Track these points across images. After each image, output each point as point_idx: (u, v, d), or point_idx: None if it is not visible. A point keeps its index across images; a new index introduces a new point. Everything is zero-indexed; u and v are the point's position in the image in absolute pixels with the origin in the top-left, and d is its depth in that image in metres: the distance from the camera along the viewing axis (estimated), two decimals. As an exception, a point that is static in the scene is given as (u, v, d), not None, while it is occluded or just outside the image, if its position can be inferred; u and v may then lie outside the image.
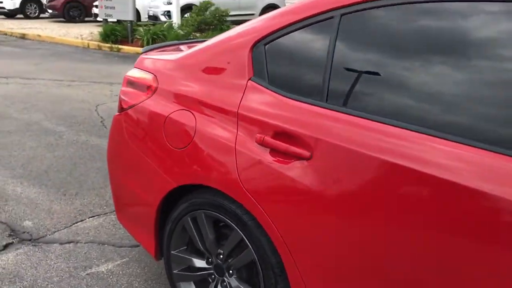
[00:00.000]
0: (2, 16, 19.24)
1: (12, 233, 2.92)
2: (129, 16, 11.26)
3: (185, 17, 12.54)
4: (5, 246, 2.78)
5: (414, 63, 1.51)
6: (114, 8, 11.46)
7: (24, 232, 2.94)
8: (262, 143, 1.72)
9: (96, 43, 11.41)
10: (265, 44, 1.84)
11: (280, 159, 1.68)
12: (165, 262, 2.20)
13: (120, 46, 10.98)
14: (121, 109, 2.29)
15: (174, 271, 2.15)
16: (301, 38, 1.77)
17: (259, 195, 1.74)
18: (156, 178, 2.09)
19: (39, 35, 12.84)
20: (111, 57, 10.33)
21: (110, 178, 2.44)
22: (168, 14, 13.90)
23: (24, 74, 7.98)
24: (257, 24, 1.92)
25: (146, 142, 2.15)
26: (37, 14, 18.87)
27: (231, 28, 2.72)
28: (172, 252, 2.14)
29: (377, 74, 1.59)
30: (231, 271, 1.97)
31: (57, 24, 16.12)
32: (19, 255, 2.69)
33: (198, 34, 11.51)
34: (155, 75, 2.19)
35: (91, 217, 3.14)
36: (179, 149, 1.98)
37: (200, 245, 2.03)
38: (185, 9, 13.34)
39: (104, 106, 5.97)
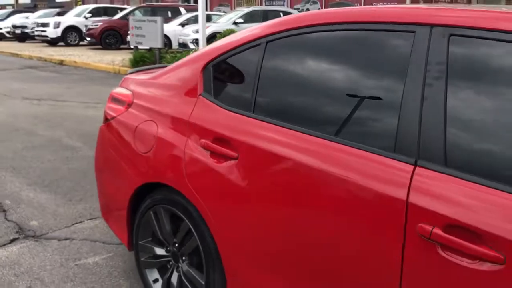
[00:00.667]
0: (45, 44, 20.51)
1: (19, 230, 3.35)
2: (158, 44, 11.91)
3: (211, 44, 13.13)
4: (12, 240, 3.20)
5: (320, 80, 1.86)
6: (144, 36, 12.15)
7: (29, 230, 3.36)
8: (204, 147, 2.08)
9: (126, 69, 12.09)
10: (213, 66, 2.22)
11: (216, 159, 2.03)
12: (134, 252, 2.56)
13: (147, 72, 11.59)
14: (105, 120, 2.70)
15: (142, 259, 2.51)
16: (238, 61, 2.14)
17: (200, 190, 2.09)
18: (126, 179, 2.47)
19: (75, 62, 13.70)
20: (138, 82, 10.93)
21: (96, 181, 2.83)
22: (196, 42, 14.51)
23: (56, 96, 8.64)
24: (209, 49, 2.30)
25: (121, 148, 2.54)
26: (77, 41, 19.99)
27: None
28: (139, 242, 2.50)
29: (291, 89, 1.94)
30: (184, 258, 2.30)
31: (94, 51, 17.06)
32: (22, 248, 3.11)
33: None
34: (132, 92, 2.59)
35: (89, 219, 3.55)
36: (144, 154, 2.35)
37: (160, 235, 2.38)
38: (212, 37, 13.97)
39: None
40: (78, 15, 20.69)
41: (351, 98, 1.73)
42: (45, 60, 14.75)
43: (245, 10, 16.46)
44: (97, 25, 18.24)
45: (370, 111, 1.68)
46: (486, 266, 1.31)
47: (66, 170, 4.61)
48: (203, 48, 2.38)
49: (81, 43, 19.88)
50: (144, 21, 12.22)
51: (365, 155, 1.60)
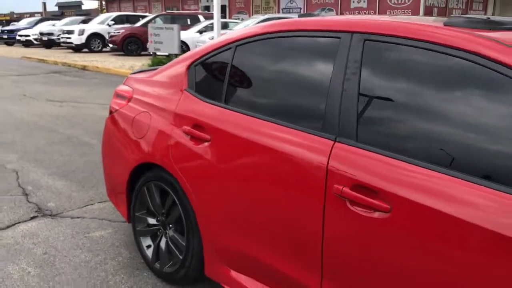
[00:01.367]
0: (70, 50, 21.38)
1: (38, 210, 3.86)
2: (175, 50, 12.48)
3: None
4: (32, 218, 3.71)
5: (273, 77, 2.31)
6: (162, 43, 12.74)
7: (47, 210, 3.86)
8: (185, 132, 2.54)
9: (145, 73, 12.68)
10: (195, 65, 2.68)
11: (194, 142, 2.49)
12: (132, 223, 3.03)
13: (165, 77, 12.16)
14: (110, 113, 3.18)
15: (137, 229, 2.98)
16: (214, 61, 2.60)
17: (182, 168, 2.54)
18: (125, 161, 2.94)
19: (97, 67, 14.38)
20: (155, 86, 11.50)
21: (103, 166, 3.32)
22: (212, 48, 15.10)
23: (77, 98, 9.25)
24: (193, 51, 2.77)
25: (121, 135, 3.02)
26: (100, 48, 20.80)
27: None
28: (136, 214, 2.96)
29: (252, 84, 2.39)
30: (170, 225, 2.76)
31: (116, 57, 17.78)
32: (40, 224, 3.61)
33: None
34: (132, 89, 3.07)
35: (99, 202, 4.04)
36: (139, 139, 2.83)
37: (152, 207, 2.85)
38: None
39: (135, 125, 6.97)
40: (102, 22, 21.52)
41: (293, 90, 2.17)
42: (69, 65, 15.50)
43: (260, 17, 16.96)
44: (119, 32, 18.99)
45: (306, 99, 2.12)
46: (377, 214, 1.74)
47: (81, 163, 5.13)
48: (191, 51, 2.84)
49: (104, 49, 20.69)
50: (162, 28, 12.80)
51: (301, 134, 2.03)
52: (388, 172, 1.74)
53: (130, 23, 20.93)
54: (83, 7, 55.56)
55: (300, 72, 2.20)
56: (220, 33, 12.83)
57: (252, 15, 22.77)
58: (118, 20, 21.54)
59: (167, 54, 13.25)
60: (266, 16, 17.43)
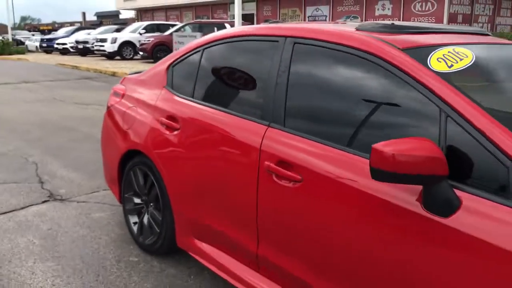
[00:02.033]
0: (103, 58, 22.32)
1: (50, 195, 4.37)
2: (197, 57, 13.04)
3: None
4: (43, 201, 4.23)
5: (229, 74, 2.72)
6: (185, 50, 13.33)
7: (57, 195, 4.37)
8: (162, 123, 2.98)
9: (169, 79, 13.29)
10: (173, 66, 3.13)
11: (168, 131, 2.92)
12: (122, 204, 3.48)
13: (187, 82, 12.75)
14: (107, 108, 3.66)
15: (126, 208, 3.43)
16: (187, 62, 3.04)
17: (159, 154, 2.98)
18: (117, 148, 3.40)
19: (126, 73, 15.09)
20: (177, 91, 12.10)
21: (101, 155, 3.79)
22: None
23: (102, 102, 9.86)
24: (173, 53, 3.21)
25: (114, 127, 3.49)
26: (131, 56, 21.65)
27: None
28: (125, 195, 3.42)
29: (215, 81, 2.82)
30: (151, 204, 3.20)
31: (145, 64, 18.52)
32: (49, 206, 4.11)
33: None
34: (125, 87, 3.54)
35: (104, 190, 4.52)
36: (127, 129, 3.28)
37: (137, 188, 3.29)
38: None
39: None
40: (134, 31, 22.40)
41: (241, 85, 2.59)
42: (100, 72, 16.31)
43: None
44: (149, 40, 19.77)
45: (250, 93, 2.53)
46: (292, 184, 2.12)
47: (95, 157, 5.64)
48: (172, 52, 3.29)
49: (135, 57, 21.52)
50: (185, 36, 13.44)
51: (244, 121, 2.44)
52: (301, 150, 2.13)
53: (160, 31, 21.72)
54: (121, 17, 57.27)
55: (247, 70, 2.61)
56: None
57: (278, 23, 23.18)
58: (149, 29, 22.39)
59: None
60: (289, 24, 17.76)
